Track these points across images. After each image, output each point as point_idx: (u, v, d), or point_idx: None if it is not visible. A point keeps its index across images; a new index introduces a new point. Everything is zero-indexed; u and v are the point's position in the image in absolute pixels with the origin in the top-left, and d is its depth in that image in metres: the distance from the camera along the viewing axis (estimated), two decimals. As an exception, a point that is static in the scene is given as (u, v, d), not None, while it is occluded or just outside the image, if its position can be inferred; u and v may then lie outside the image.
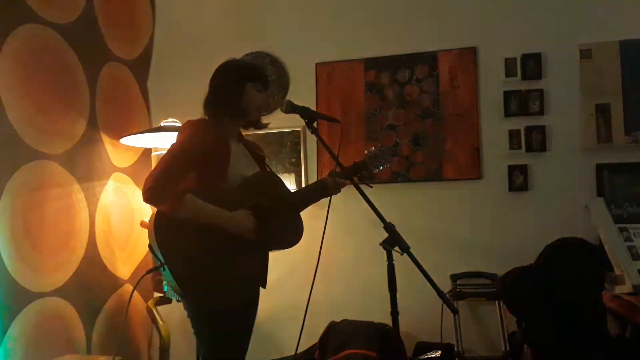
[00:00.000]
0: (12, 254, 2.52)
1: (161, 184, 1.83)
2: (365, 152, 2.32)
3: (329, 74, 3.43)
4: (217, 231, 1.90)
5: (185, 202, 1.84)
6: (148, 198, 1.84)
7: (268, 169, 2.24)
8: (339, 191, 2.20)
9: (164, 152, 3.12)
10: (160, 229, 1.85)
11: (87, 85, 3.09)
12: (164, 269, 1.83)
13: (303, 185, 3.40)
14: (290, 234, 2.11)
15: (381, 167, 2.29)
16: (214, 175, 1.95)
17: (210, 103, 2.07)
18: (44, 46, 2.83)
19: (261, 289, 2.13)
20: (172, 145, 1.97)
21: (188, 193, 1.86)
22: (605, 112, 2.97)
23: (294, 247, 2.14)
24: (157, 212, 1.87)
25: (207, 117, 2.09)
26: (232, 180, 1.98)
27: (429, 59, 3.27)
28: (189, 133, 1.98)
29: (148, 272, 1.98)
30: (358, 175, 2.18)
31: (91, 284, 2.99)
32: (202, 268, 1.87)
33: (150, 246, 1.88)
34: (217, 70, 2.12)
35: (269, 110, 3.44)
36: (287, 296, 3.27)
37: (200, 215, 1.88)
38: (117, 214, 3.26)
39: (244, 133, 2.23)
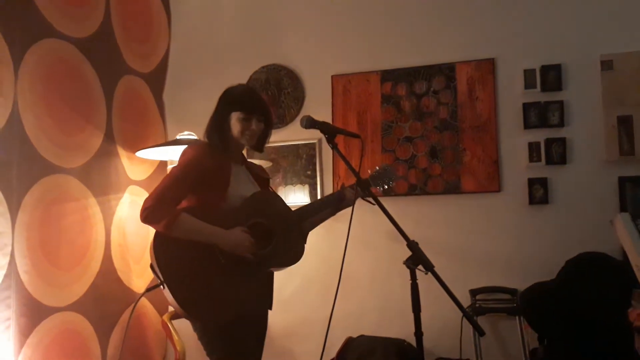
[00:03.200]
0: (28, 268, 2.51)
1: (157, 204, 1.90)
2: (369, 171, 2.34)
3: (345, 86, 3.42)
4: (214, 249, 1.94)
5: (180, 220, 1.90)
6: (145, 218, 1.90)
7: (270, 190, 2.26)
8: (353, 203, 2.18)
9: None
10: (158, 248, 1.91)
11: (104, 98, 3.10)
12: (164, 287, 1.88)
13: (319, 197, 3.38)
14: (289, 254, 2.10)
15: (384, 187, 2.31)
16: (214, 197, 2.00)
17: (207, 131, 2.13)
18: (62, 60, 2.84)
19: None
20: (173, 169, 2.03)
21: (183, 212, 1.92)
22: (627, 123, 2.92)
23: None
24: (156, 232, 1.93)
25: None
26: (232, 201, 2.02)
27: (447, 71, 3.24)
28: (189, 156, 2.02)
29: (147, 290, 2.02)
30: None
31: (106, 297, 2.98)
32: (200, 286, 1.91)
33: (151, 265, 1.93)
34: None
35: (284, 121, 3.44)
36: (303, 311, 3.25)
37: (195, 233, 1.94)
38: (133, 227, 3.25)
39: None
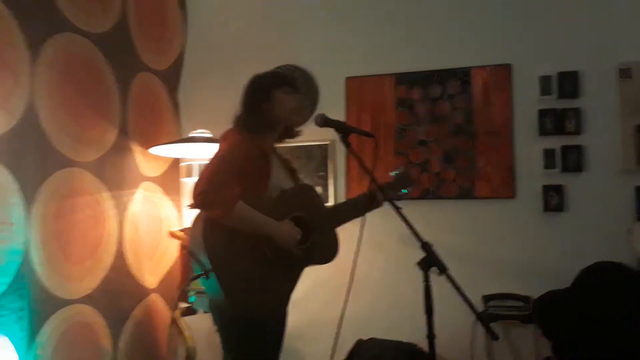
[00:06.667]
0: (42, 260, 2.53)
1: (213, 188, 1.78)
2: (391, 174, 2.32)
3: (359, 88, 3.41)
4: (263, 242, 1.87)
5: (238, 208, 1.80)
6: (201, 202, 1.78)
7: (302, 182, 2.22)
8: (382, 204, 2.19)
9: (192, 162, 3.18)
10: (209, 234, 1.80)
11: (119, 94, 3.12)
12: (207, 277, 1.79)
13: (331, 199, 3.37)
14: (326, 250, 2.08)
15: (402, 192, 2.31)
16: (257, 185, 1.93)
17: (243, 119, 2.05)
18: (78, 55, 2.86)
19: None
20: (219, 152, 1.92)
21: (240, 200, 1.82)
22: (645, 133, 2.88)
23: (331, 261, 2.11)
24: (206, 218, 1.82)
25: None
26: (271, 191, 1.97)
27: (462, 75, 3.22)
28: (233, 140, 1.95)
29: (192, 279, 1.93)
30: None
31: (118, 292, 2.99)
32: (245, 279, 1.84)
33: (192, 252, 1.84)
34: (245, 87, 2.11)
35: (304, 118, 3.45)
36: (313, 312, 3.23)
37: (250, 222, 1.85)
38: (146, 223, 3.26)
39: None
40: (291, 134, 2.18)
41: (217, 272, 1.77)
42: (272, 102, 2.03)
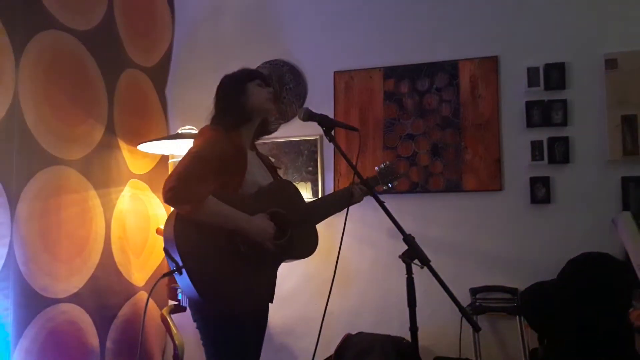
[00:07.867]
0: (27, 259, 2.51)
1: (184, 184, 1.79)
2: (376, 168, 2.32)
3: (347, 82, 3.40)
4: (237, 237, 1.87)
5: (208, 203, 1.81)
6: (170, 198, 1.79)
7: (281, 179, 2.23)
8: (361, 199, 2.24)
9: (181, 158, 3.17)
10: (180, 231, 1.81)
11: (106, 91, 3.10)
12: (180, 273, 1.80)
13: (320, 194, 3.37)
14: (305, 246, 2.09)
15: (389, 185, 2.35)
16: (232, 181, 1.93)
17: (219, 116, 2.06)
18: (64, 52, 2.84)
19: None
20: (192, 148, 1.93)
21: (210, 195, 1.83)
22: (631, 123, 2.89)
23: (310, 257, 2.12)
24: (178, 214, 1.84)
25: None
26: (249, 187, 1.97)
27: (450, 68, 3.22)
28: (208, 137, 1.96)
29: (164, 275, 1.93)
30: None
31: (106, 290, 2.98)
32: (219, 274, 1.84)
33: (166, 249, 1.84)
34: (217, 89, 2.13)
35: (285, 117, 3.45)
36: (302, 307, 3.24)
37: (221, 217, 1.86)
38: (133, 220, 3.25)
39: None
40: (267, 129, 2.20)
41: (188, 268, 1.77)
42: (246, 94, 2.06)
